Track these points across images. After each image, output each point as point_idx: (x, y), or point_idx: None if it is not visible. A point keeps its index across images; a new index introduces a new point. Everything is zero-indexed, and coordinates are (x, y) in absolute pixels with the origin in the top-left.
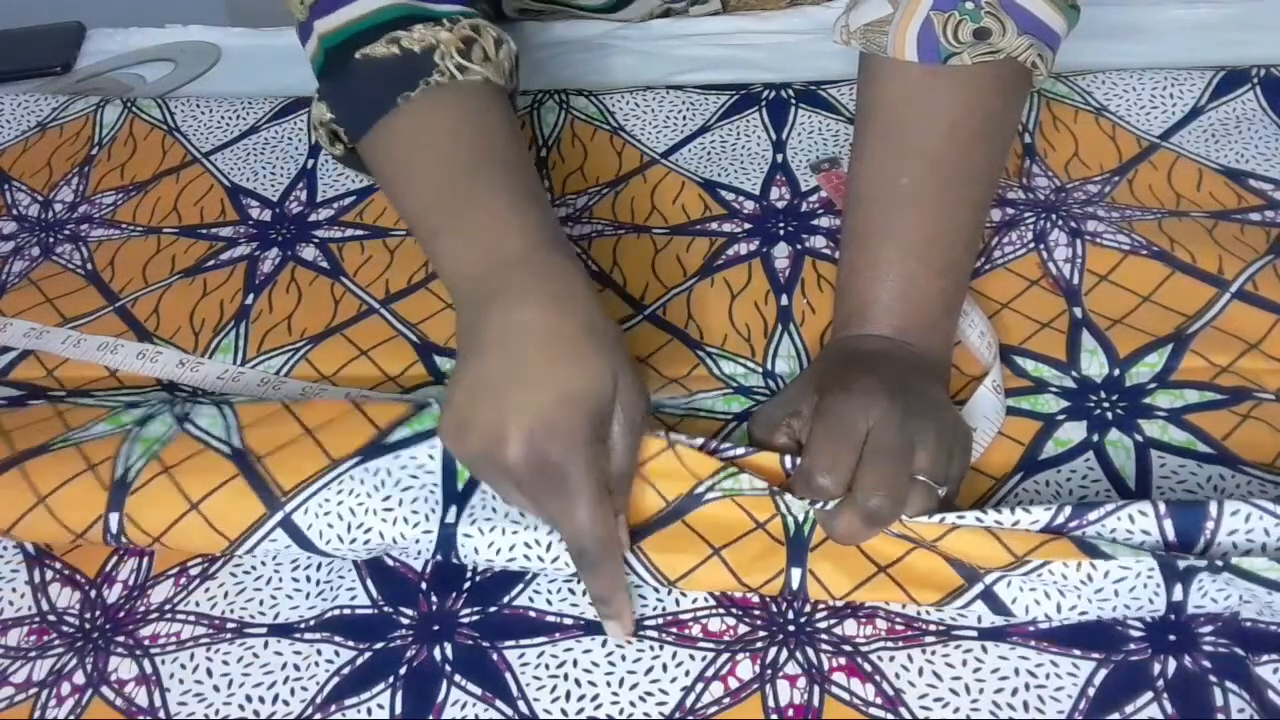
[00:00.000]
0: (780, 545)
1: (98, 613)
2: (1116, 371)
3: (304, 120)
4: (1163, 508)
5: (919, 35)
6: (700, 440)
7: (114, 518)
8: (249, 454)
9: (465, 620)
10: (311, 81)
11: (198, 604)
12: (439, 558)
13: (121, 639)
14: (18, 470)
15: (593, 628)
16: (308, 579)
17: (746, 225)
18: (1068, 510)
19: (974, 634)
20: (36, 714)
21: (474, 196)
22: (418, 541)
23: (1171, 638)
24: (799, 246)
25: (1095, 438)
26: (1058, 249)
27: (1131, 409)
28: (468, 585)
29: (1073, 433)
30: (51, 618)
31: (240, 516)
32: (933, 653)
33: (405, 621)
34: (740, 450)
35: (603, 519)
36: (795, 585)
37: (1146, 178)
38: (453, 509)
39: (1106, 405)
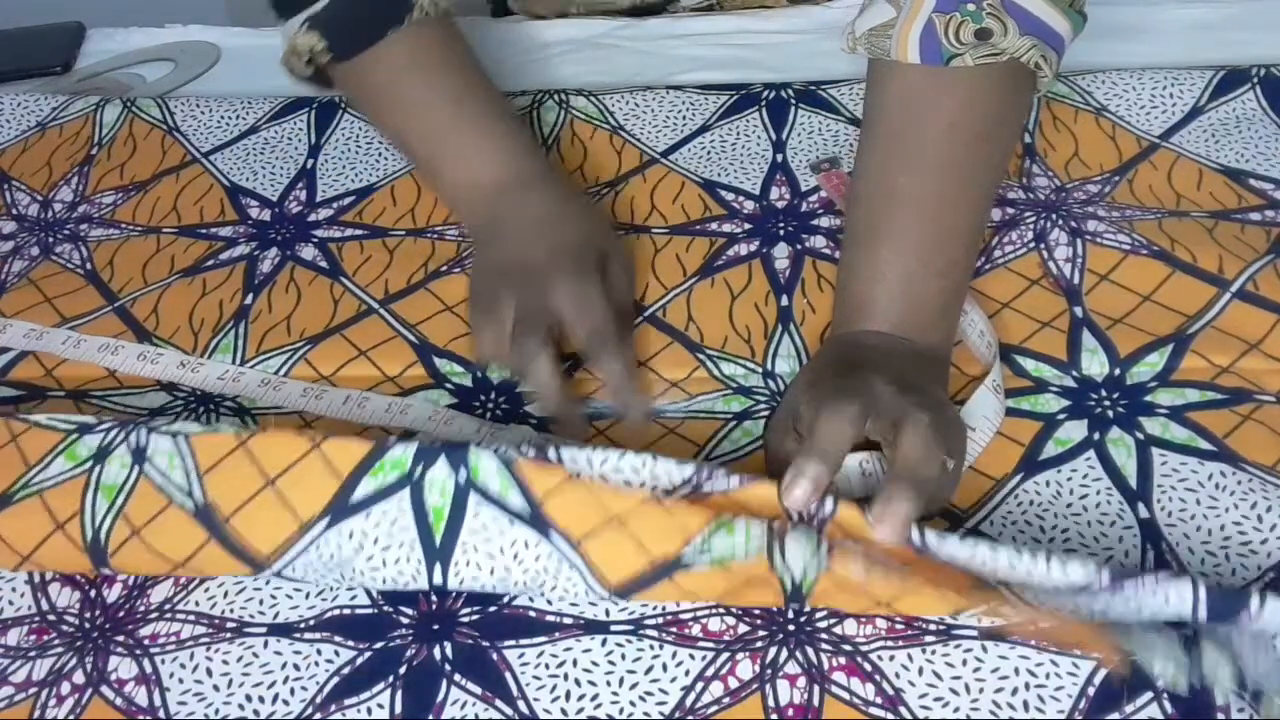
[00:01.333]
0: (779, 595)
1: (97, 612)
2: (1117, 371)
3: (304, 120)
4: (1202, 592)
5: (921, 37)
6: (689, 471)
7: (104, 570)
8: (214, 512)
9: (465, 620)
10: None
11: (197, 603)
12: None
13: (121, 639)
14: None
15: (592, 627)
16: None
17: (746, 225)
18: (1106, 575)
19: (974, 634)
20: (36, 714)
21: (472, 122)
22: (407, 587)
23: None
24: (799, 246)
25: (1096, 436)
26: (1058, 248)
27: (1132, 407)
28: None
29: (1073, 432)
30: (51, 617)
31: (231, 570)
32: (933, 652)
33: (405, 621)
34: (735, 481)
35: (607, 316)
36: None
37: (1146, 177)
38: (437, 568)
39: (1108, 404)
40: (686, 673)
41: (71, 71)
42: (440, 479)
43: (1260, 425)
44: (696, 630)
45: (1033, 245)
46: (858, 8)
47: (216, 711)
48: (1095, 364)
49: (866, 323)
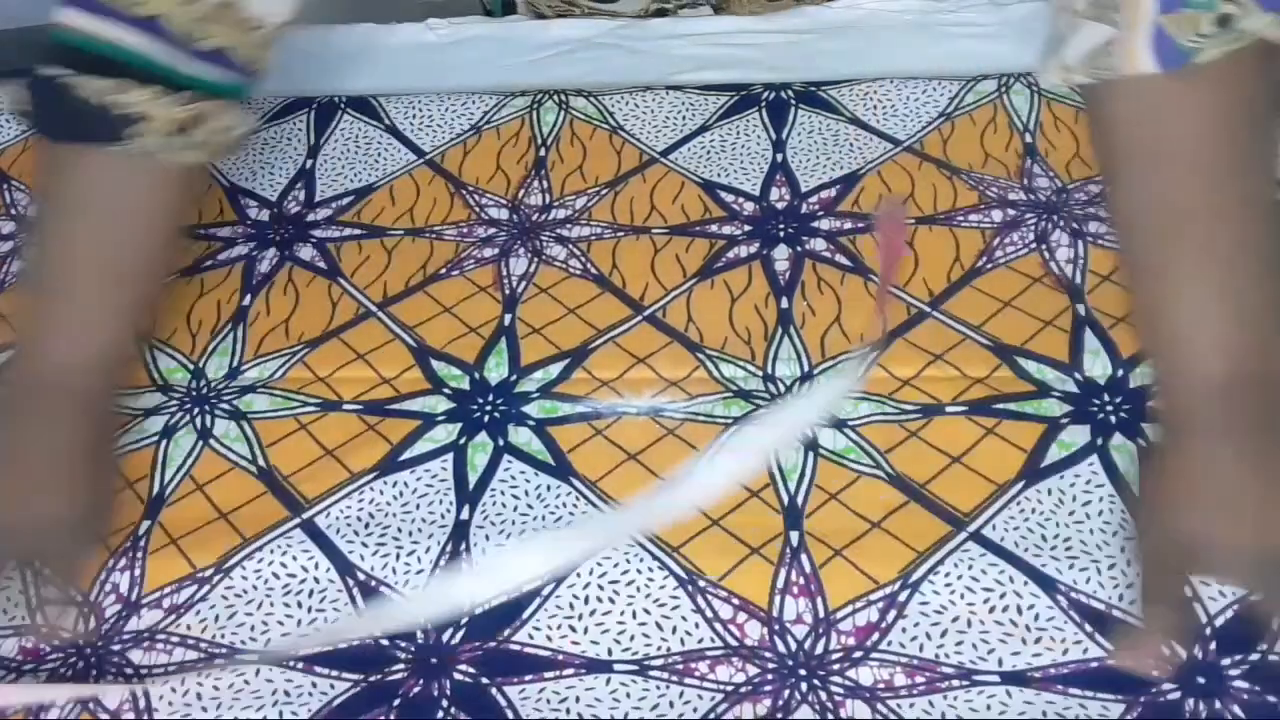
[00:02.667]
0: None
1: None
2: (1120, 372)
3: (304, 120)
4: None
5: (1153, 43)
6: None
7: (144, 525)
8: (275, 471)
9: (464, 656)
10: (319, 79)
11: (188, 627)
12: (449, 549)
13: (113, 661)
14: None
15: (595, 665)
16: (299, 604)
17: (746, 227)
18: None
19: (996, 679)
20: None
21: (79, 296)
22: (430, 535)
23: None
24: (799, 248)
25: (1099, 441)
26: (1059, 249)
27: (1135, 412)
28: (465, 620)
29: (1077, 437)
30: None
31: (274, 517)
32: (955, 698)
33: (402, 656)
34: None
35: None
36: None
37: None
38: (465, 507)
39: (1110, 408)
40: (694, 710)
41: None
42: None
43: None
44: (704, 669)
45: (1034, 246)
46: (856, 8)
47: None
48: (1098, 366)
49: (1196, 362)
